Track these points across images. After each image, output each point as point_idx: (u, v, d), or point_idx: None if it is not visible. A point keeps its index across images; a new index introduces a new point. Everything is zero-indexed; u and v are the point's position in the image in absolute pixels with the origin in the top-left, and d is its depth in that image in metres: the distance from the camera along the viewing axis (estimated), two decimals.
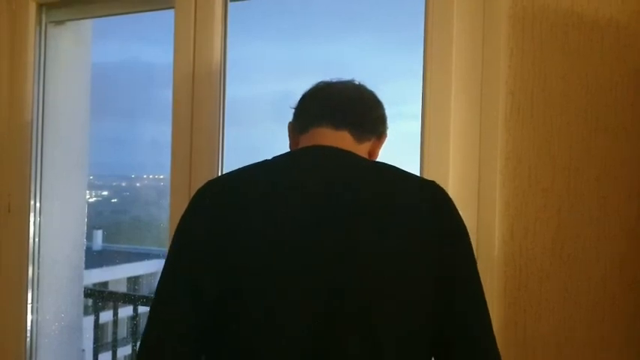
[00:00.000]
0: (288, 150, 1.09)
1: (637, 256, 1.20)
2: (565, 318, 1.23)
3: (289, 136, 1.10)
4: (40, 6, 1.88)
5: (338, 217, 0.89)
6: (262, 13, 1.75)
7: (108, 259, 7.52)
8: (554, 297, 1.24)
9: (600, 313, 1.22)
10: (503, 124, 1.28)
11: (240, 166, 1.00)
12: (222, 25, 1.60)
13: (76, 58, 2.05)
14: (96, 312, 2.70)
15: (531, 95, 1.26)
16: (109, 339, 3.24)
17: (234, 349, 0.89)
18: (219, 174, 1.58)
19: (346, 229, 0.88)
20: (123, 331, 3.66)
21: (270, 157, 0.99)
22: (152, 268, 7.50)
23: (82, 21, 2.04)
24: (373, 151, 1.08)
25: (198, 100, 1.59)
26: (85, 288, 2.29)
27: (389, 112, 1.10)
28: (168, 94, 1.63)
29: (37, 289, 1.90)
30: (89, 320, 2.61)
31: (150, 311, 0.92)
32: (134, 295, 2.89)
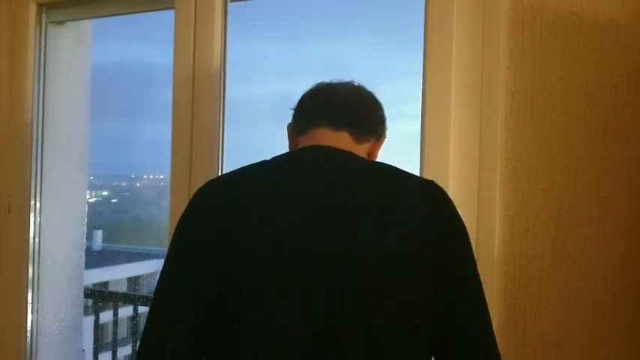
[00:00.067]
0: (288, 150, 1.09)
1: (637, 256, 1.20)
2: (565, 318, 1.23)
3: (288, 137, 1.10)
4: (40, 6, 1.88)
5: (338, 217, 0.89)
6: (262, 13, 1.75)
7: (108, 259, 7.51)
8: (554, 297, 1.24)
9: (600, 313, 1.22)
10: (503, 125, 1.28)
11: (240, 166, 1.00)
12: (222, 25, 1.60)
13: (76, 59, 2.05)
14: (96, 312, 2.70)
15: (531, 95, 1.26)
16: (109, 339, 3.24)
17: (234, 349, 0.89)
18: (219, 174, 1.58)
19: (346, 229, 0.88)
20: (123, 331, 3.66)
21: (269, 158, 0.99)
22: (152, 268, 7.49)
23: (82, 21, 2.04)
24: (372, 152, 1.08)
25: (198, 100, 1.59)
26: (85, 288, 2.30)
27: (389, 112, 1.10)
28: (168, 94, 1.63)
29: (37, 289, 1.90)
30: (89, 320, 2.61)
31: (149, 311, 0.92)
32: (134, 295, 2.89)
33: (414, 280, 0.89)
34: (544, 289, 1.25)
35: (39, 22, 1.89)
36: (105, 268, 7.33)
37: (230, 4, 1.62)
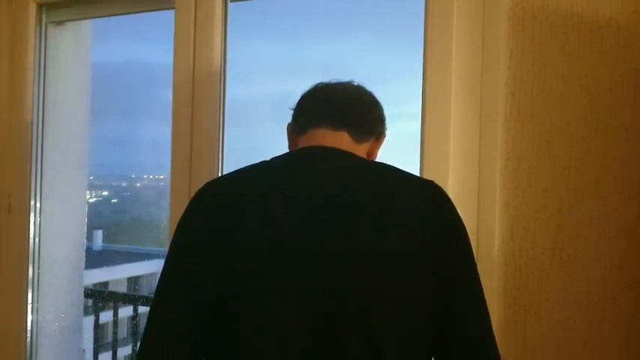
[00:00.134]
0: (288, 151, 1.09)
1: (637, 256, 1.20)
2: (565, 318, 1.23)
3: (288, 137, 1.10)
4: (40, 6, 1.88)
5: (337, 217, 0.89)
6: (262, 13, 1.75)
7: (108, 259, 7.51)
8: (554, 297, 1.24)
9: (600, 313, 1.22)
10: (503, 125, 1.28)
11: (240, 166, 1.00)
12: (222, 25, 1.60)
13: (76, 59, 2.05)
14: (96, 312, 2.70)
15: (531, 95, 1.26)
16: (109, 339, 3.24)
17: (234, 349, 0.89)
18: (219, 174, 1.58)
19: (346, 230, 0.89)
20: (123, 331, 3.66)
21: (269, 158, 0.99)
22: (152, 268, 7.50)
23: (82, 21, 2.04)
24: (372, 152, 1.08)
25: (198, 100, 1.59)
26: (85, 288, 2.30)
27: (389, 112, 1.10)
28: (168, 94, 1.63)
29: (37, 289, 1.90)
30: (89, 320, 2.61)
31: (150, 311, 0.92)
32: (134, 296, 2.89)
33: (413, 280, 0.89)
34: (544, 289, 1.25)
35: (39, 22, 1.89)
36: (105, 268, 7.33)
37: (230, 4, 1.62)
